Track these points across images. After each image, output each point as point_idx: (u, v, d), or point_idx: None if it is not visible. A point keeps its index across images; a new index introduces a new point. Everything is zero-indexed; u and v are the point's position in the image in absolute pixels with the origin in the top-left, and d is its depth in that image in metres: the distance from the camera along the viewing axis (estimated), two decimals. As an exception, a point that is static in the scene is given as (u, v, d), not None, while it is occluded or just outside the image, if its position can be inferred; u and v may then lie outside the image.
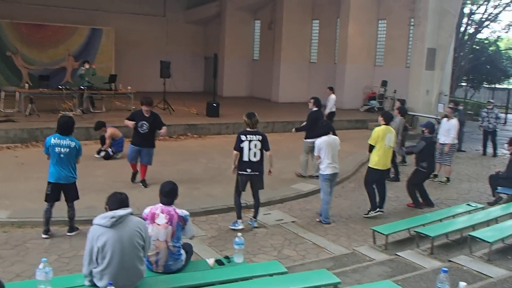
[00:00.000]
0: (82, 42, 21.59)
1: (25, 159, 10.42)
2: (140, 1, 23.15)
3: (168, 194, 4.55)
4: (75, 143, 6.33)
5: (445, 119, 10.65)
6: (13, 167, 9.77)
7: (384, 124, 7.84)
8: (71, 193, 6.46)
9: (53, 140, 6.28)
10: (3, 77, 19.77)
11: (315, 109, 9.99)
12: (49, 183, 6.38)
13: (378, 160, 7.72)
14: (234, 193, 7.10)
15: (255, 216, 7.19)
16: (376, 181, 7.88)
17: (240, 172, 6.90)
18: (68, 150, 6.25)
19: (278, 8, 22.00)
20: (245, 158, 6.82)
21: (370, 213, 7.86)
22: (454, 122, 10.42)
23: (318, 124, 9.48)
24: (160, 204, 4.54)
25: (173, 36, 24.53)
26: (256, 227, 7.12)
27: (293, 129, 10.44)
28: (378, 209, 7.87)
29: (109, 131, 10.89)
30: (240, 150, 6.83)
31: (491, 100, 16.34)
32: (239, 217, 7.05)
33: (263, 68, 23.46)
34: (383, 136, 7.70)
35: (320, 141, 7.50)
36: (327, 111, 13.95)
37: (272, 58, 22.65)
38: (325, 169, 7.45)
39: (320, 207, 7.65)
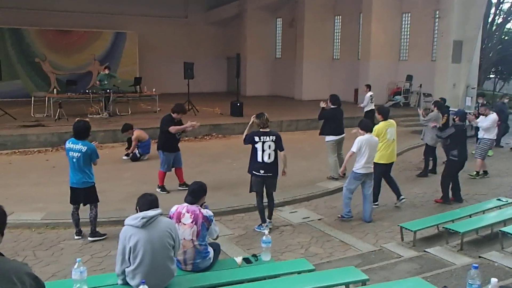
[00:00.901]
0: (106, 46, 22.01)
1: (56, 162, 10.69)
2: (161, 4, 23.41)
3: (194, 193, 4.63)
4: (87, 147, 6.31)
5: (481, 117, 10.33)
6: (44, 170, 10.05)
7: (383, 120, 7.96)
8: (88, 197, 6.50)
9: (67, 144, 6.39)
10: (33, 83, 20.32)
11: (332, 107, 9.78)
12: (70, 187, 6.54)
13: (381, 155, 7.84)
14: (255, 197, 7.01)
15: (269, 217, 7.11)
16: (381, 175, 8.00)
17: (254, 173, 6.85)
18: (79, 154, 6.27)
19: (299, 5, 21.95)
20: (259, 159, 6.72)
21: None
22: (492, 116, 10.08)
23: (336, 122, 9.62)
24: (186, 204, 4.62)
25: (195, 37, 24.74)
26: (270, 228, 6.97)
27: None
28: (377, 203, 8.07)
29: (136, 133, 11.08)
30: (250, 145, 6.78)
31: None
32: (264, 220, 6.99)
33: (286, 67, 23.45)
34: (384, 133, 7.81)
35: (361, 139, 7.28)
36: (365, 109, 13.87)
37: (294, 56, 22.61)
38: (360, 167, 7.29)
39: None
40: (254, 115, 6.99)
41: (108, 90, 15.44)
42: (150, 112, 16.22)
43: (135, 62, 22.38)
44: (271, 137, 6.79)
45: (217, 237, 4.88)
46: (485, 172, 10.32)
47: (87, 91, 16.10)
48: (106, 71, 15.97)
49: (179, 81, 18.25)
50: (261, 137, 6.75)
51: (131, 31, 22.37)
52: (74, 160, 6.30)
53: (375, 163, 7.66)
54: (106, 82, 15.76)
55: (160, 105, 16.49)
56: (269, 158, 6.75)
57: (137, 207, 4.17)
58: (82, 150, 6.27)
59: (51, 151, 11.92)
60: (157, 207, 4.14)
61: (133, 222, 3.97)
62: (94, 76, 21.48)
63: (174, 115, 8.47)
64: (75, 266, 3.85)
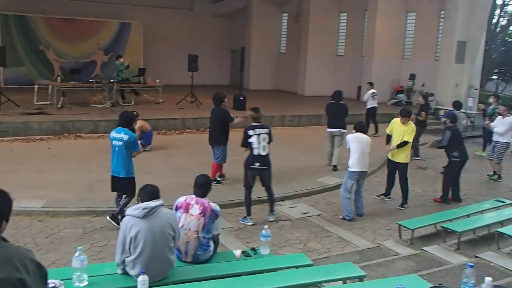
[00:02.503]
0: (111, 36, 21.98)
1: (58, 151, 10.74)
2: (167, -5, 23.39)
3: (202, 186, 4.69)
4: (129, 136, 6.34)
5: (499, 117, 10.28)
6: (46, 158, 10.09)
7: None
8: (124, 187, 6.49)
9: (112, 134, 6.46)
10: (36, 71, 20.33)
11: (331, 101, 10.40)
12: (111, 175, 6.57)
13: (408, 153, 8.17)
14: (244, 189, 7.10)
15: (271, 210, 7.22)
16: (391, 171, 8.33)
17: (249, 166, 6.92)
18: (121, 143, 6.32)
19: (305, 0, 21.90)
20: (255, 152, 6.84)
21: (380, 196, 8.52)
22: (509, 119, 9.99)
23: (330, 115, 10.25)
24: (194, 196, 4.67)
25: (200, 29, 24.70)
26: (273, 221, 7.12)
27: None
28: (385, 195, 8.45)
29: (139, 123, 11.09)
30: (248, 145, 6.87)
31: None
32: (249, 213, 7.07)
33: (290, 61, 23.43)
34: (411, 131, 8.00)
35: (349, 136, 7.52)
36: (367, 106, 13.92)
37: (298, 51, 22.59)
38: (353, 165, 7.38)
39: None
40: (250, 109, 7.18)
41: (112, 80, 15.51)
42: (153, 103, 16.25)
43: (140, 52, 22.37)
44: (265, 129, 6.95)
45: (219, 233, 4.91)
46: (499, 176, 10.25)
47: (90, 80, 16.12)
48: (121, 60, 16.12)
49: (183, 73, 18.22)
50: (256, 130, 6.89)
51: (137, 21, 22.35)
52: (117, 148, 6.35)
53: (402, 164, 8.04)
54: (124, 72, 15.89)
55: (163, 96, 16.52)
56: (264, 150, 6.87)
57: (139, 198, 4.21)
58: (124, 139, 6.32)
59: (53, 139, 11.95)
60: (158, 198, 4.18)
61: (135, 212, 4.02)
62: (98, 65, 21.52)
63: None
64: (76, 254, 3.89)
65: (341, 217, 7.50)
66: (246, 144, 6.90)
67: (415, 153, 11.59)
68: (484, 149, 12.56)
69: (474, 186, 9.69)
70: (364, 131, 7.66)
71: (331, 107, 10.33)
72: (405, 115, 8.10)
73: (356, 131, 7.48)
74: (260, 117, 7.04)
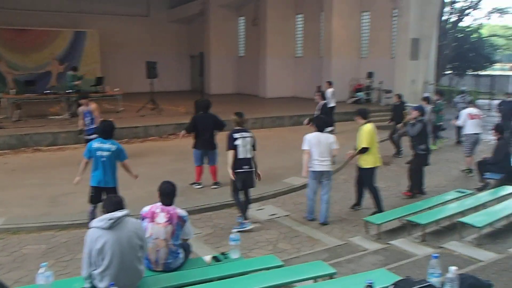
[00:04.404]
0: (66, 45, 21.53)
1: (16, 165, 10.40)
2: (123, 2, 23.06)
3: (168, 194, 4.62)
4: (116, 146, 6.33)
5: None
6: (3, 174, 9.75)
7: (366, 122, 7.47)
8: None
9: (94, 144, 6.30)
10: (-12, 84, 19.64)
11: (323, 102, 10.84)
12: (91, 186, 6.40)
13: (376, 159, 7.52)
14: (232, 194, 7.05)
15: (245, 214, 7.11)
16: (374, 179, 7.68)
17: (237, 171, 6.86)
18: (109, 153, 6.25)
19: (261, 4, 22.06)
20: (241, 156, 6.83)
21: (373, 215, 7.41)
22: (462, 112, 10.44)
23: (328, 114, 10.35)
24: (159, 204, 4.60)
25: (157, 35, 24.49)
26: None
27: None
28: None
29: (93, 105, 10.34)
30: (234, 148, 6.83)
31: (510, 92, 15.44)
32: (246, 218, 6.98)
33: (250, 64, 23.52)
34: (374, 134, 7.45)
35: (307, 136, 7.25)
36: (329, 105, 14.03)
37: (258, 54, 22.71)
38: (312, 164, 7.20)
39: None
40: (234, 113, 7.13)
41: (68, 91, 15.13)
42: (113, 112, 15.95)
43: (97, 61, 21.97)
44: (248, 133, 6.99)
45: (189, 238, 4.84)
46: (470, 170, 10.14)
47: (47, 91, 15.69)
48: (72, 72, 15.71)
49: (143, 80, 18.02)
50: (241, 133, 6.90)
51: (92, 29, 21.93)
52: (104, 159, 6.24)
53: (366, 169, 7.47)
54: (74, 83, 15.49)
55: (123, 105, 16.25)
56: (249, 153, 6.91)
57: (103, 209, 4.13)
58: (111, 149, 6.26)
59: (10, 154, 11.56)
60: (122, 208, 4.10)
61: (100, 224, 3.93)
62: (53, 76, 20.98)
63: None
64: (41, 271, 3.77)
65: (304, 215, 7.53)
66: (232, 146, 6.84)
67: (398, 151, 11.85)
68: (434, 143, 12.97)
69: (434, 178, 9.94)
70: (323, 129, 7.32)
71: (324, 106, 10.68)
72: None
73: (316, 130, 7.25)
74: (244, 122, 7.11)
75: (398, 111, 12.08)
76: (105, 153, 6.24)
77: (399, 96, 12.57)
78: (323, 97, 10.79)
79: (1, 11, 20.20)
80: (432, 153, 11.00)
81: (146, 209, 4.61)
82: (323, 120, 7.64)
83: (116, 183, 6.45)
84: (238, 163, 6.86)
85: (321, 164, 7.14)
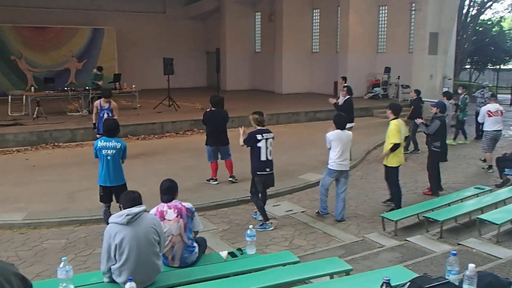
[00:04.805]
0: (84, 42, 21.73)
1: (36, 161, 10.57)
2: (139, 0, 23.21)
3: (168, 192, 4.64)
4: (121, 144, 6.27)
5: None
6: (24, 170, 9.91)
7: (395, 118, 7.42)
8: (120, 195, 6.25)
9: (99, 143, 6.24)
10: (9, 82, 19.98)
11: (348, 97, 10.64)
12: (100, 186, 6.35)
13: (401, 158, 7.53)
14: (252, 197, 6.99)
15: (266, 219, 7.00)
16: (397, 177, 7.68)
17: (259, 173, 6.78)
18: (114, 151, 6.18)
19: (277, -1, 22.00)
20: (263, 158, 6.72)
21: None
22: (484, 108, 10.26)
23: (352, 110, 10.43)
24: (164, 203, 4.63)
25: (173, 32, 24.60)
26: (260, 220, 7.04)
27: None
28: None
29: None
30: (251, 145, 6.73)
31: None
32: (267, 218, 6.91)
33: (265, 60, 23.49)
34: (399, 131, 7.30)
35: (329, 134, 7.14)
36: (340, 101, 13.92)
37: (273, 50, 22.66)
38: (332, 163, 7.15)
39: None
40: (254, 112, 6.96)
41: (87, 88, 15.32)
42: (130, 109, 16.11)
43: (114, 58, 22.15)
44: (270, 134, 6.86)
45: (199, 230, 4.88)
46: (490, 167, 10.03)
47: (65, 88, 15.90)
48: (95, 71, 15.96)
49: (159, 77, 18.16)
50: (264, 135, 6.76)
51: (109, 27, 22.12)
52: (109, 157, 6.18)
53: (390, 167, 7.49)
54: (95, 82, 15.71)
55: (140, 101, 16.39)
56: (270, 155, 6.81)
57: (121, 205, 4.18)
58: (117, 147, 6.21)
59: (31, 150, 11.75)
60: (140, 204, 4.15)
61: (118, 219, 3.98)
62: (72, 73, 21.24)
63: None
64: (61, 265, 3.84)
65: (317, 211, 7.50)
66: (250, 144, 6.73)
67: (415, 147, 11.80)
68: (455, 139, 12.85)
69: (452, 174, 9.84)
70: (344, 127, 7.21)
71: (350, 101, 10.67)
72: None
73: (337, 128, 7.13)
74: (264, 121, 6.91)
75: (416, 106, 11.93)
76: (110, 151, 6.18)
77: (416, 91, 12.43)
78: (350, 92, 10.66)
79: (20, 9, 20.50)
80: (451, 149, 10.87)
81: (153, 210, 4.61)
82: (343, 118, 7.33)
83: (124, 180, 6.34)
84: (260, 165, 6.75)
85: (341, 163, 7.13)
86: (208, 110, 8.99)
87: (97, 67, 16.70)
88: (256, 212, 7.21)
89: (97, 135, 9.47)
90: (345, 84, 13.86)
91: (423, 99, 12.26)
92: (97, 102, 10.13)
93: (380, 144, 11.40)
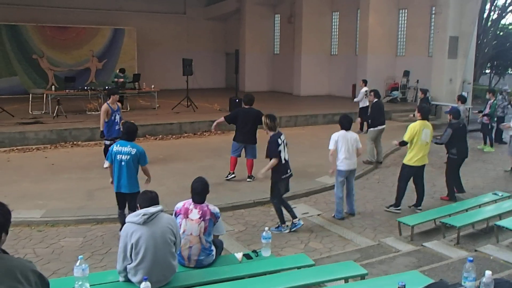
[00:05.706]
0: (105, 42, 21.98)
1: (55, 160, 10.72)
2: (159, 0, 23.38)
3: (201, 192, 4.64)
4: (136, 150, 6.05)
5: None
6: (43, 168, 10.07)
7: (421, 119, 7.54)
8: (133, 203, 5.76)
9: (115, 147, 6.10)
10: (30, 80, 20.30)
11: (375, 100, 10.73)
12: (115, 192, 6.26)
13: (412, 156, 7.53)
14: (275, 202, 6.86)
15: (295, 217, 6.94)
16: (410, 178, 7.70)
17: (283, 177, 6.74)
18: (128, 157, 6.01)
19: (297, 1, 21.96)
20: (283, 161, 6.72)
21: (390, 208, 7.74)
22: None
23: (382, 112, 10.59)
24: (191, 200, 4.66)
25: (193, 33, 24.74)
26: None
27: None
28: (399, 208, 7.72)
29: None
30: (278, 155, 6.59)
31: None
32: (284, 221, 6.88)
33: (284, 62, 23.48)
34: (419, 132, 7.42)
35: (334, 135, 7.29)
36: (360, 105, 13.82)
37: (293, 51, 22.64)
38: (340, 163, 7.28)
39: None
40: (266, 118, 6.85)
41: (107, 87, 15.52)
42: (149, 109, 16.26)
43: (134, 58, 22.37)
44: (283, 135, 6.88)
45: (221, 235, 4.88)
46: None
47: (85, 87, 16.12)
48: (117, 71, 16.25)
49: (178, 77, 18.27)
50: (281, 137, 6.75)
51: (130, 27, 22.36)
52: (123, 163, 6.02)
53: (404, 164, 7.64)
54: (116, 81, 15.93)
55: (159, 102, 16.52)
56: (287, 155, 6.84)
57: (138, 204, 4.22)
58: (132, 153, 6.02)
59: (50, 148, 11.94)
60: (157, 203, 4.19)
61: (135, 219, 4.02)
62: (92, 73, 21.52)
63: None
64: (77, 264, 3.88)
65: (333, 215, 7.51)
66: (276, 153, 6.57)
67: None
68: (485, 143, 12.68)
69: (471, 179, 9.70)
70: (349, 128, 7.36)
71: (379, 104, 10.79)
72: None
73: (342, 129, 7.30)
74: (276, 127, 6.81)
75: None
76: (124, 157, 6.02)
77: (423, 91, 12.33)
78: (378, 95, 10.68)
79: (42, 9, 20.84)
80: (474, 154, 10.68)
81: (180, 205, 4.68)
82: (349, 119, 7.44)
83: (138, 187, 6.14)
84: (283, 168, 6.71)
85: (350, 162, 7.31)
86: (242, 107, 9.20)
87: (120, 69, 16.87)
88: (293, 222, 6.94)
89: (107, 141, 9.10)
90: (366, 88, 13.80)
91: (431, 101, 12.13)
92: (106, 107, 9.16)
93: (398, 148, 11.34)
